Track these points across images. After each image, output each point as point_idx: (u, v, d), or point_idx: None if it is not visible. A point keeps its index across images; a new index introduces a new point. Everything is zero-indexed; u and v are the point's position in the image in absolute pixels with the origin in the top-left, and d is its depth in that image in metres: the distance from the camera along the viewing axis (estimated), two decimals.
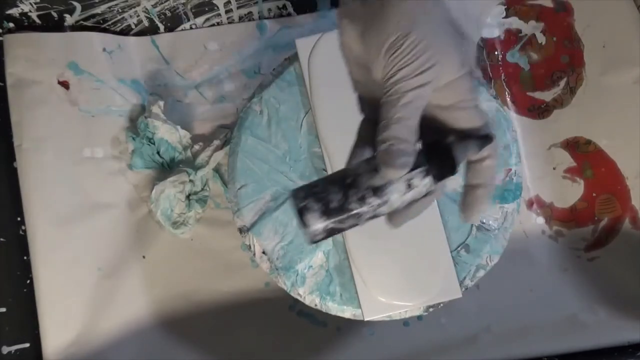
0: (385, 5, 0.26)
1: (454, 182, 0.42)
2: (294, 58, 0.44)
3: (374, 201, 0.27)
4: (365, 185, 0.27)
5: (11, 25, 0.50)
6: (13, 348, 0.47)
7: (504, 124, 0.43)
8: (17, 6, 0.50)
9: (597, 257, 0.50)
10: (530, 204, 0.51)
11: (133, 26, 0.52)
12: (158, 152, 0.50)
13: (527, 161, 0.51)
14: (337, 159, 0.41)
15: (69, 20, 0.51)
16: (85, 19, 0.51)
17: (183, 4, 0.52)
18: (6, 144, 0.49)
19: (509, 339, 0.48)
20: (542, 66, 0.52)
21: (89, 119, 0.50)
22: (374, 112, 0.28)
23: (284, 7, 0.53)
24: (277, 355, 0.49)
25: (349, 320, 0.43)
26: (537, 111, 0.52)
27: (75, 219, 0.48)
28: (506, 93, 0.52)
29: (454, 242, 0.42)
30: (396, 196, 0.27)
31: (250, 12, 0.53)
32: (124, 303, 0.48)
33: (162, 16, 0.52)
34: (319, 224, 0.27)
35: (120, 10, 0.52)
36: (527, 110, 0.52)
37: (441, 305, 0.42)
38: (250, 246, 0.42)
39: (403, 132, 0.26)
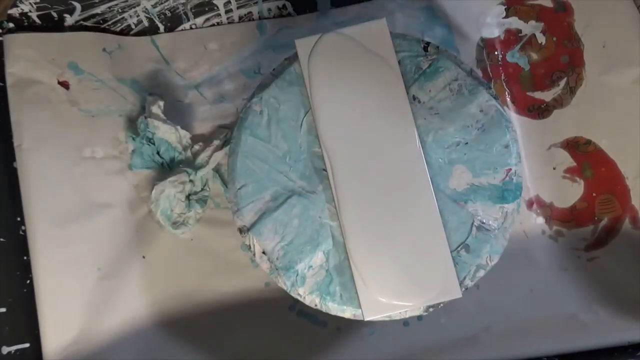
0: None
1: (455, 182, 0.42)
2: (294, 58, 0.44)
3: None
4: None
5: (11, 25, 0.50)
6: (13, 348, 0.47)
7: (504, 124, 0.43)
8: (17, 6, 0.50)
9: (597, 257, 0.50)
10: (530, 204, 0.51)
11: (133, 26, 0.52)
12: (158, 152, 0.50)
13: (527, 161, 0.51)
14: (337, 159, 0.41)
15: (69, 20, 0.51)
16: (85, 19, 0.51)
17: (183, 4, 0.52)
18: (6, 144, 0.49)
19: (509, 339, 0.48)
20: (542, 66, 0.52)
21: (89, 119, 0.50)
22: None
23: (284, 7, 0.53)
24: (277, 355, 0.49)
25: (349, 320, 0.43)
26: (537, 111, 0.52)
27: (75, 219, 0.48)
28: (506, 93, 0.52)
29: (454, 242, 0.42)
30: None
31: (250, 12, 0.53)
32: (124, 303, 0.48)
33: (162, 16, 0.52)
34: None
35: (120, 10, 0.52)
36: (527, 110, 0.52)
37: (441, 305, 0.42)
38: (250, 246, 0.42)
39: None
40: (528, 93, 0.52)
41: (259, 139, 0.43)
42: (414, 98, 0.43)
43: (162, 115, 0.49)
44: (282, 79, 0.43)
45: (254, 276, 0.50)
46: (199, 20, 0.53)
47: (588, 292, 0.49)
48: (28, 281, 0.48)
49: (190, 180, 0.49)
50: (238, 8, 0.53)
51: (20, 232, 0.48)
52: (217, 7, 0.52)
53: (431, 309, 0.42)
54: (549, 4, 0.52)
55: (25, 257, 0.48)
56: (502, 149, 0.43)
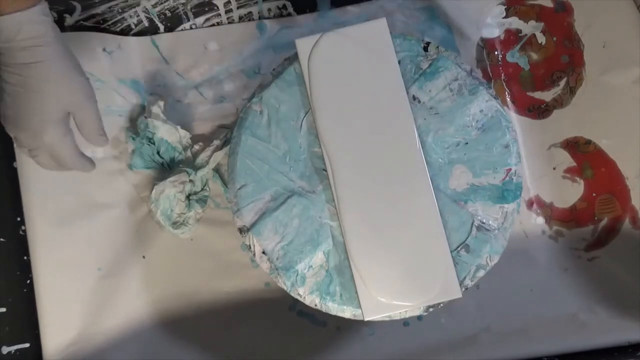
0: None
1: (455, 182, 0.42)
2: (294, 58, 0.44)
3: None
4: None
5: None
6: (13, 348, 0.47)
7: (504, 124, 0.43)
8: None
9: (597, 257, 0.50)
10: (530, 204, 0.51)
11: (133, 26, 0.52)
12: (158, 152, 0.50)
13: (527, 161, 0.51)
14: (337, 159, 0.41)
15: (69, 20, 0.51)
16: (85, 19, 0.51)
17: (183, 4, 0.52)
18: (6, 144, 0.49)
19: (509, 338, 0.48)
20: (542, 66, 0.52)
21: None
22: None
23: (284, 7, 0.53)
24: (277, 355, 0.49)
25: (349, 320, 0.43)
26: (537, 111, 0.52)
27: (75, 219, 0.48)
28: (506, 93, 0.52)
29: (454, 242, 0.42)
30: None
31: (250, 12, 0.53)
32: (124, 303, 0.48)
33: (162, 16, 0.52)
34: None
35: (120, 10, 0.52)
36: (527, 110, 0.52)
37: (441, 305, 0.42)
38: (250, 246, 0.42)
39: None
40: (528, 93, 0.52)
41: (259, 139, 0.43)
42: (414, 98, 0.43)
43: (162, 115, 0.49)
44: (282, 79, 0.43)
45: (254, 276, 0.50)
46: (199, 20, 0.53)
47: (588, 292, 0.49)
48: (28, 281, 0.48)
49: (190, 180, 0.49)
50: (238, 8, 0.53)
51: (20, 232, 0.48)
52: (217, 7, 0.52)
53: (431, 309, 0.42)
54: (549, 4, 0.52)
55: (25, 257, 0.48)
56: (502, 149, 0.43)
